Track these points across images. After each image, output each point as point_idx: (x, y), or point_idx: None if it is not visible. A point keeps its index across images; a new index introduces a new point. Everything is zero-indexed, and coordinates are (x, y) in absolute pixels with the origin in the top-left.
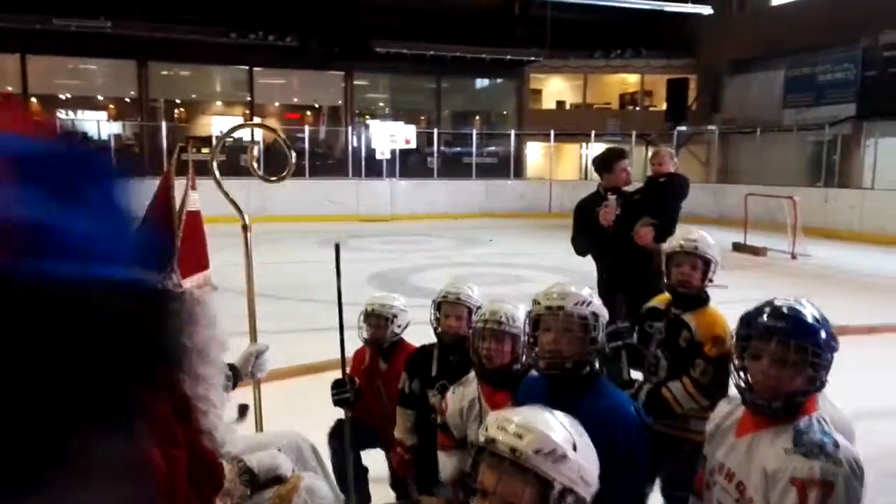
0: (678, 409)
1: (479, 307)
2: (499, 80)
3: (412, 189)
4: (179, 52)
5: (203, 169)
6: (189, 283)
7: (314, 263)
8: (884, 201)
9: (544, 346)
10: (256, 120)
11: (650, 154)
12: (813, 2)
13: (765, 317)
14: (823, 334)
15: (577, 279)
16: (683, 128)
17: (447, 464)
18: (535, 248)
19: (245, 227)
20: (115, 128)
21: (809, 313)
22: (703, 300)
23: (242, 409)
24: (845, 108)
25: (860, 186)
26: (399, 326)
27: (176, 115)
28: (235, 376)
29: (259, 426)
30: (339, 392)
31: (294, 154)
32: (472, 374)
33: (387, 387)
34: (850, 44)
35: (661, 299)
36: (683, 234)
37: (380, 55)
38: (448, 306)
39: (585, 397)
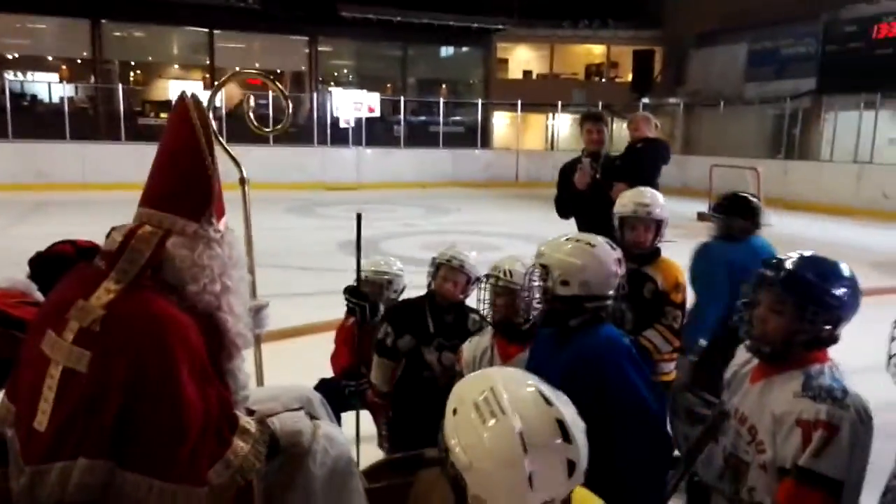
0: (657, 355)
1: (478, 278)
2: (465, 49)
3: (378, 157)
4: (135, 12)
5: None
6: (220, 224)
7: (283, 230)
8: (840, 173)
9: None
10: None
11: (627, 121)
12: None
13: (766, 266)
14: (817, 289)
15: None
16: (647, 100)
17: None
18: (504, 217)
19: (242, 181)
20: (68, 90)
21: (810, 267)
22: (656, 254)
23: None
24: (806, 83)
25: (818, 159)
26: (395, 291)
27: (132, 78)
28: None
29: (260, 382)
30: (357, 384)
31: (290, 111)
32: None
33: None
34: (812, 18)
35: None
36: (635, 198)
37: (345, 20)
38: (448, 270)
39: (581, 340)
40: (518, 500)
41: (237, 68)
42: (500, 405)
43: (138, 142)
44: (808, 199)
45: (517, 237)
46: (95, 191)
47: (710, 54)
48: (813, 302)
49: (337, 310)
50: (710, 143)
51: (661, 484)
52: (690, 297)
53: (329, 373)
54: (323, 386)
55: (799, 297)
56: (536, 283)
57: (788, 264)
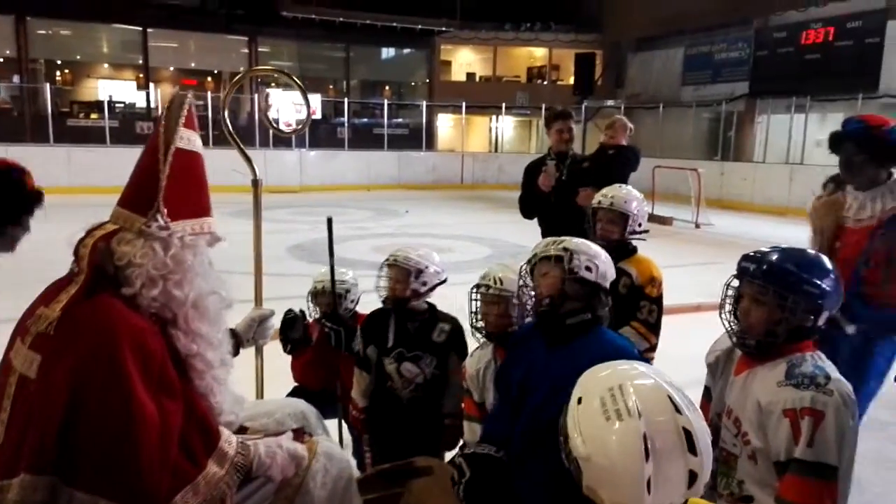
0: None
1: (420, 270)
2: (409, 51)
3: (322, 160)
4: (63, 9)
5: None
6: (180, 225)
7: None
8: (773, 174)
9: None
10: (151, 85)
11: (606, 123)
12: None
13: (745, 260)
14: (797, 279)
15: (498, 248)
16: (588, 103)
17: (472, 436)
18: (453, 219)
19: (255, 183)
20: None
21: (790, 258)
22: (632, 250)
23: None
24: (740, 86)
25: (752, 160)
26: (353, 301)
27: (59, 78)
28: (237, 342)
29: (260, 394)
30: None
31: (309, 106)
32: None
33: (345, 368)
34: (744, 25)
35: None
36: (605, 191)
37: (286, 20)
38: (388, 269)
39: (582, 343)
40: (632, 501)
41: (171, 68)
42: (626, 405)
43: (67, 143)
44: (744, 199)
45: (467, 238)
46: None
47: (649, 58)
48: (793, 291)
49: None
50: (650, 144)
51: None
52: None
53: (282, 380)
54: (298, 395)
55: (779, 287)
56: (530, 287)
57: (768, 256)
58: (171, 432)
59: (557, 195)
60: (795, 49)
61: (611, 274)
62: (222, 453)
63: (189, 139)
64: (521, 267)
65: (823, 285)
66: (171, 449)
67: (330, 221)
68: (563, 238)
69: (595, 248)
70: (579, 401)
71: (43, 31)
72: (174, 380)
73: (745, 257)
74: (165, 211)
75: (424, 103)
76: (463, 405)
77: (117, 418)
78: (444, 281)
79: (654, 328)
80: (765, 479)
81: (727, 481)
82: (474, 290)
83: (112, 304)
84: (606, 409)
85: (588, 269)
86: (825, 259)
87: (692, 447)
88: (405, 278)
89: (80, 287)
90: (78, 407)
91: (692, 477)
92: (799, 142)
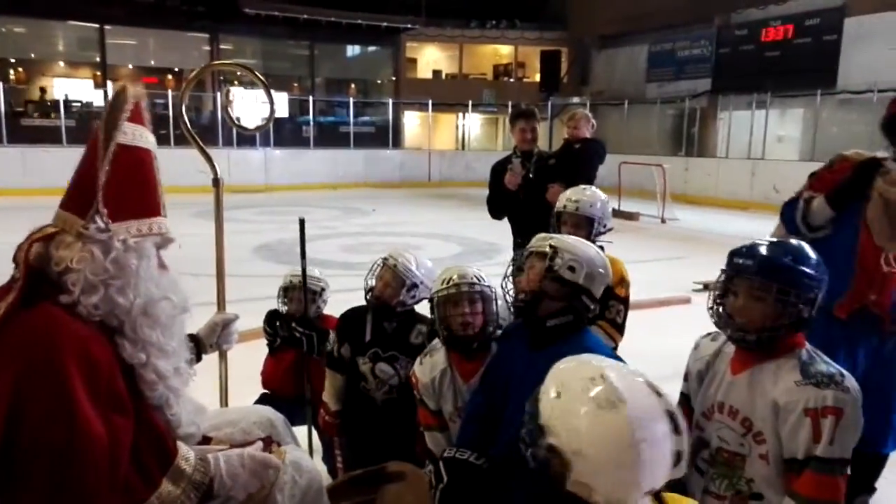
0: None
1: (415, 284)
2: (374, 48)
3: (287, 159)
4: (17, 6)
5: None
6: (123, 227)
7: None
8: (735, 169)
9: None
10: (109, 83)
11: (566, 117)
12: None
13: (737, 256)
14: (796, 272)
15: (468, 245)
16: (554, 100)
17: (436, 444)
18: (420, 217)
19: (216, 182)
20: None
21: (783, 251)
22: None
23: None
24: (702, 83)
25: (715, 156)
26: (325, 301)
27: (13, 76)
28: (199, 348)
29: (224, 402)
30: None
31: (273, 102)
32: (438, 342)
33: (315, 372)
34: (706, 22)
35: None
36: (570, 194)
37: (248, 17)
38: (383, 269)
39: (564, 346)
40: (626, 488)
41: (130, 66)
42: (616, 393)
43: (21, 144)
44: (708, 194)
45: (436, 237)
46: None
47: (613, 55)
48: (794, 285)
49: (259, 317)
50: (616, 141)
51: None
52: None
53: (249, 387)
54: (265, 402)
55: (780, 282)
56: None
57: (761, 250)
58: (120, 450)
59: (526, 193)
60: (756, 46)
61: (601, 279)
62: (178, 471)
63: (134, 134)
64: (508, 265)
65: (817, 275)
66: (120, 468)
67: (302, 223)
68: (558, 235)
69: (587, 251)
70: (558, 395)
71: None
72: (123, 393)
73: (737, 252)
74: (106, 212)
75: (391, 101)
76: (419, 416)
77: (61, 438)
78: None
79: (620, 328)
80: (773, 477)
81: (729, 482)
82: (453, 289)
83: (51, 312)
84: (592, 398)
85: (571, 268)
86: (808, 246)
87: (676, 427)
88: (398, 286)
89: (16, 295)
90: (17, 426)
91: (677, 456)
92: (760, 137)
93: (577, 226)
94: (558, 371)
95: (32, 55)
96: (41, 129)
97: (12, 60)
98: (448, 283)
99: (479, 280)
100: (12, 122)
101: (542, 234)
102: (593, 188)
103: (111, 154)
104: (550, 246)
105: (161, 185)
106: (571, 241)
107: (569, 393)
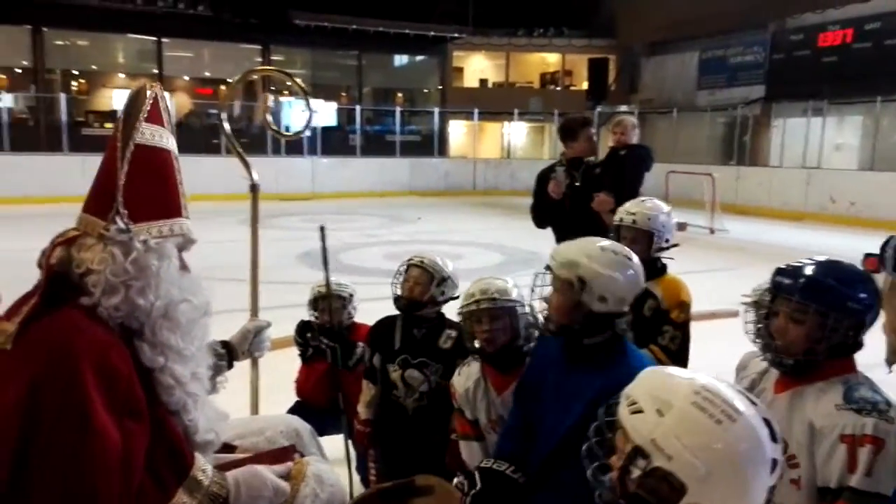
0: None
1: (444, 278)
2: (421, 57)
3: (334, 167)
4: (78, 19)
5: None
6: (144, 228)
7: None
8: (789, 178)
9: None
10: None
11: (612, 124)
12: None
13: (780, 274)
14: (839, 294)
15: (510, 255)
16: (601, 108)
17: (470, 454)
18: (465, 226)
19: (254, 188)
20: (7, 100)
21: (829, 272)
22: (660, 269)
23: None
24: (755, 90)
25: (768, 165)
26: (355, 308)
27: (75, 88)
28: (231, 355)
29: (255, 409)
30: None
31: (310, 109)
32: None
33: (348, 382)
34: (760, 27)
35: None
36: (628, 206)
37: (299, 28)
38: (410, 268)
39: (606, 362)
40: (744, 501)
41: (186, 77)
42: (731, 405)
43: (81, 153)
44: (760, 204)
45: (480, 245)
46: (37, 204)
47: (663, 62)
48: (835, 308)
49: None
50: (664, 150)
51: None
52: None
53: (280, 396)
54: (299, 410)
55: (820, 304)
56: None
57: (806, 270)
58: (134, 458)
59: (572, 202)
60: (812, 52)
61: (632, 293)
62: (195, 482)
63: (154, 134)
64: (535, 277)
65: (864, 299)
66: (134, 477)
67: (323, 230)
68: (582, 254)
69: (613, 272)
70: (659, 413)
71: (59, 42)
72: (140, 399)
73: (780, 271)
74: (126, 213)
75: (437, 110)
76: (456, 424)
77: (74, 442)
78: (456, 297)
79: (674, 356)
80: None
81: None
82: (474, 305)
83: (71, 316)
84: (709, 413)
85: (602, 299)
86: (860, 269)
87: (773, 434)
88: (427, 282)
89: (37, 298)
90: (33, 428)
91: (773, 464)
92: (816, 146)
93: (634, 241)
94: (644, 389)
95: (94, 67)
96: (101, 139)
97: (75, 72)
98: (470, 298)
99: (501, 295)
100: (74, 132)
101: (566, 249)
102: (654, 199)
103: (129, 154)
104: (580, 279)
105: (183, 186)
106: (599, 266)
107: (674, 411)
